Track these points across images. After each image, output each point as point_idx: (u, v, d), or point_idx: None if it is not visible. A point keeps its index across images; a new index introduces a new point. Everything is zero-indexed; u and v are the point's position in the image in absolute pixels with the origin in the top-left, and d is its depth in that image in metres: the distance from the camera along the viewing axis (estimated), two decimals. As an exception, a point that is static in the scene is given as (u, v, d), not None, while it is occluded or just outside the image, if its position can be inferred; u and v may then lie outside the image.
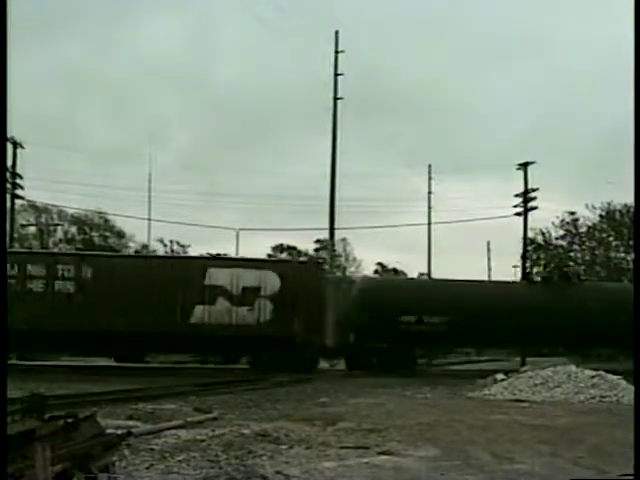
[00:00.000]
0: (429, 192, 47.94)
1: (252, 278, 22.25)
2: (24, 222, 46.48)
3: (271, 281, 22.24)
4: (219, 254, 35.00)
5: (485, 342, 27.35)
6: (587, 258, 43.30)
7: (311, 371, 21.38)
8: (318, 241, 48.90)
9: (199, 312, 21.89)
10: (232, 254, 37.11)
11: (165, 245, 48.13)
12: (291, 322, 21.88)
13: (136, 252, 44.03)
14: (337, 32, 36.32)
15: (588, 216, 43.75)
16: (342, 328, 23.95)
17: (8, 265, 20.37)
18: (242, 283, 22.15)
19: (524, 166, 37.89)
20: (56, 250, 36.20)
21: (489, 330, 23.89)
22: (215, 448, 7.93)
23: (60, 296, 21.45)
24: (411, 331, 23.38)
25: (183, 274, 22.26)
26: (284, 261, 24.55)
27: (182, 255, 39.83)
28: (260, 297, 22.14)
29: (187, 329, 21.62)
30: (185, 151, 70.51)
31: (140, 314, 21.10)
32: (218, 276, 22.16)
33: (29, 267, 21.45)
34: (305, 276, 22.76)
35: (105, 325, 20.74)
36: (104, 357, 24.76)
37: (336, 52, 36.02)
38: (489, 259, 50.36)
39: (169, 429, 9.21)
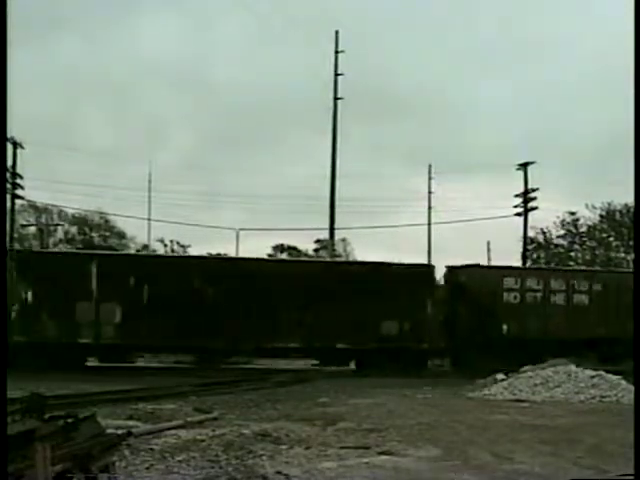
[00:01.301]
0: (429, 192, 47.83)
1: None
2: (24, 222, 46.47)
3: None
4: (219, 254, 35.19)
5: None
6: (587, 258, 43.35)
7: None
8: (318, 241, 48.98)
9: None
10: (232, 254, 37.26)
11: (165, 245, 48.21)
12: None
13: (137, 252, 44.00)
14: (337, 32, 36.28)
15: (588, 216, 43.91)
16: None
17: (533, 281, 24.45)
18: None
19: (524, 166, 37.91)
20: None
21: None
22: (215, 448, 7.93)
23: (577, 308, 24.78)
24: None
25: None
26: None
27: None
28: None
29: None
30: (185, 151, 70.53)
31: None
32: None
33: (552, 282, 24.82)
34: None
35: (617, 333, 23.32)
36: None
37: (336, 52, 35.97)
38: (489, 259, 50.20)
39: (169, 429, 9.21)
